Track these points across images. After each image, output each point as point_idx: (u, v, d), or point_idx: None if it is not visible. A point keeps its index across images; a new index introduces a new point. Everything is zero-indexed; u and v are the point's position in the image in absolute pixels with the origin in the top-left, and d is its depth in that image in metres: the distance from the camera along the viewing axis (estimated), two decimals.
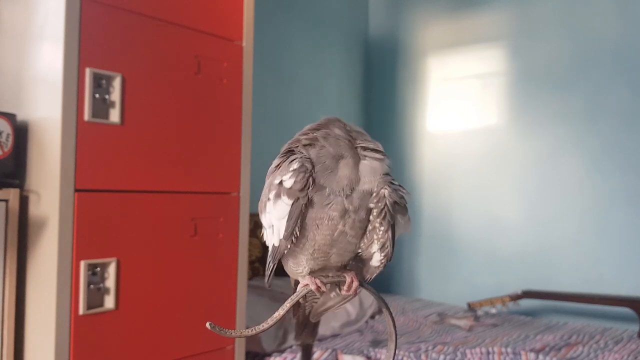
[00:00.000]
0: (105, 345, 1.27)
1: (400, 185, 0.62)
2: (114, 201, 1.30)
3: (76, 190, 1.23)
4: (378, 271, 0.65)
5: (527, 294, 2.40)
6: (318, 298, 0.71)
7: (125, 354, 1.31)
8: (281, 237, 0.62)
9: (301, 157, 0.60)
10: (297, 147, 0.63)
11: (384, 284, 3.05)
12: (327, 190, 0.60)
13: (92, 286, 1.25)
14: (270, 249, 0.66)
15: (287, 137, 0.67)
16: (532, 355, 1.69)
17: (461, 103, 2.88)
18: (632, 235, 2.36)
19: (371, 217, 0.62)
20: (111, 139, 1.29)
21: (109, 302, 1.28)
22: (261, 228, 0.70)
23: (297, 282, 0.73)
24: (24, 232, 1.28)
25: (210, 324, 0.58)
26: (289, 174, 0.60)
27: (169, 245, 1.40)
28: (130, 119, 1.32)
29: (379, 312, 2.26)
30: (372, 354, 1.71)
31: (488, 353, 1.73)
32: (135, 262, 1.33)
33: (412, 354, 1.71)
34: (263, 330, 0.61)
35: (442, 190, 2.91)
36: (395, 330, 0.66)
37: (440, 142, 2.95)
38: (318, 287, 0.63)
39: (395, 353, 0.65)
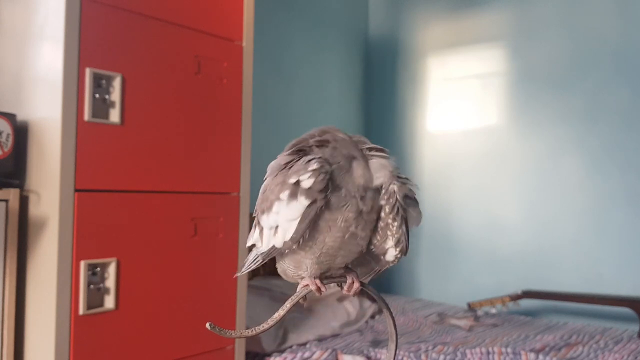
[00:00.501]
0: (105, 345, 1.27)
1: (407, 179, 0.61)
2: (114, 201, 1.30)
3: (76, 190, 1.23)
4: (390, 265, 0.64)
5: (527, 294, 2.40)
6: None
7: (125, 354, 1.31)
8: (287, 239, 0.59)
9: (319, 157, 0.59)
10: (309, 146, 0.61)
11: (384, 284, 3.05)
12: (343, 191, 0.58)
13: (92, 286, 1.25)
14: (263, 249, 0.64)
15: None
16: (532, 355, 1.69)
17: (461, 103, 2.88)
18: (632, 235, 2.36)
19: (382, 215, 0.61)
20: (111, 139, 1.29)
21: (109, 302, 1.28)
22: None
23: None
24: (24, 232, 1.28)
25: (210, 324, 0.58)
26: (308, 174, 0.57)
27: (169, 245, 1.40)
28: (130, 119, 1.32)
29: (379, 312, 2.26)
30: (372, 354, 1.71)
31: (488, 353, 1.73)
32: (135, 262, 1.33)
33: (412, 354, 1.71)
34: (263, 331, 0.60)
35: (442, 190, 2.91)
36: (396, 331, 0.66)
37: (440, 142, 2.95)
38: (318, 288, 0.62)
39: (395, 353, 0.65)
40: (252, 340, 1.71)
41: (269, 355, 1.70)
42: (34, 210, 1.27)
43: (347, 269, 0.65)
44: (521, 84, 2.70)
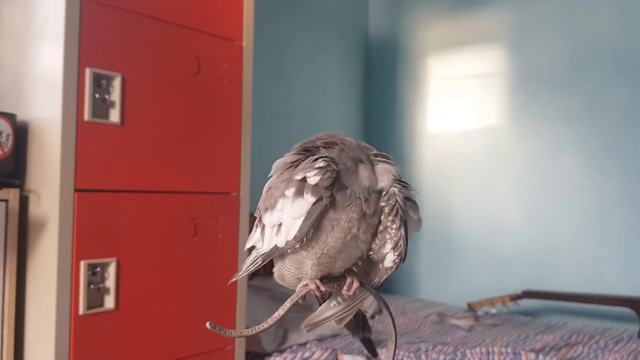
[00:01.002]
0: (105, 345, 1.27)
1: (408, 184, 0.62)
2: (114, 201, 1.30)
3: (76, 190, 1.23)
4: (390, 273, 0.63)
5: (527, 294, 2.40)
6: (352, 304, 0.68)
7: (125, 354, 1.31)
8: (290, 238, 0.59)
9: (326, 157, 0.59)
10: (316, 147, 0.61)
11: (384, 284, 3.04)
12: (349, 191, 0.58)
13: (92, 286, 1.25)
14: (264, 249, 0.63)
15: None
16: (532, 355, 1.69)
17: (461, 103, 2.88)
18: (632, 235, 2.36)
19: (382, 217, 0.61)
20: (111, 139, 1.29)
21: (109, 302, 1.28)
22: None
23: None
24: (24, 232, 1.28)
25: (210, 324, 0.58)
26: (315, 171, 0.57)
27: (169, 245, 1.40)
28: (130, 119, 1.32)
29: (379, 312, 2.26)
30: None
31: (488, 353, 1.73)
32: (135, 262, 1.33)
33: (412, 354, 1.71)
34: (263, 330, 0.60)
35: (442, 190, 2.91)
36: (395, 330, 0.66)
37: (440, 142, 2.95)
38: (317, 287, 0.62)
39: (395, 353, 0.65)
40: (252, 340, 1.71)
41: (269, 355, 1.70)
42: (34, 210, 1.27)
43: (347, 269, 0.65)
44: (521, 84, 2.70)
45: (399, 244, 0.61)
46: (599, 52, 2.48)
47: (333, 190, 0.58)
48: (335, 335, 1.97)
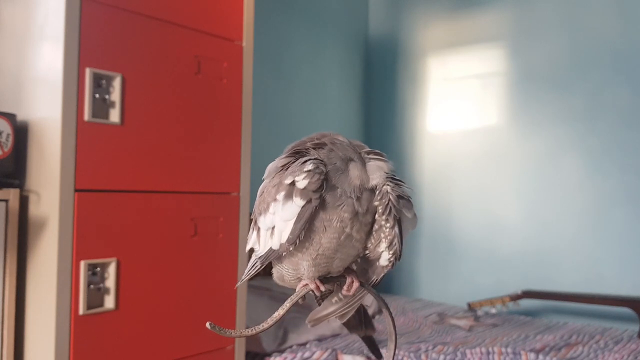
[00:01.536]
0: (105, 345, 1.27)
1: (402, 181, 0.61)
2: (114, 201, 1.30)
3: (76, 190, 1.23)
4: (386, 271, 0.64)
5: (527, 294, 2.40)
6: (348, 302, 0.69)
7: (125, 354, 1.31)
8: (283, 240, 0.60)
9: (314, 159, 0.59)
10: (306, 149, 0.62)
11: (384, 284, 3.05)
12: (339, 191, 0.59)
13: (92, 286, 1.25)
14: (261, 252, 0.64)
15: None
16: (532, 355, 1.69)
17: (461, 103, 2.88)
18: (632, 235, 2.36)
19: (376, 216, 0.61)
20: (111, 139, 1.29)
21: (109, 302, 1.28)
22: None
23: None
24: (24, 232, 1.28)
25: (210, 324, 0.58)
26: (303, 175, 0.58)
27: (169, 245, 1.40)
28: (130, 119, 1.32)
29: (379, 312, 2.26)
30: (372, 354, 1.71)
31: (488, 353, 1.73)
32: (135, 262, 1.33)
33: (412, 354, 1.71)
34: (263, 330, 0.60)
35: (442, 190, 2.91)
36: (395, 331, 0.66)
37: (440, 142, 2.95)
38: (317, 286, 0.63)
39: (395, 353, 0.65)
40: (252, 340, 1.71)
41: (269, 355, 1.70)
42: (34, 210, 1.27)
43: (347, 268, 0.65)
44: (521, 84, 2.70)
45: (394, 243, 0.61)
46: (599, 52, 2.48)
47: (322, 191, 0.58)
48: (335, 335, 1.97)
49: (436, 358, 1.69)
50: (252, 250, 0.69)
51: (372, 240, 0.62)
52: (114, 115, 1.29)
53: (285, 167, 0.61)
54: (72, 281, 1.22)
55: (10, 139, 1.26)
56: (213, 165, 1.52)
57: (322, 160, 0.59)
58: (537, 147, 2.63)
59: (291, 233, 0.59)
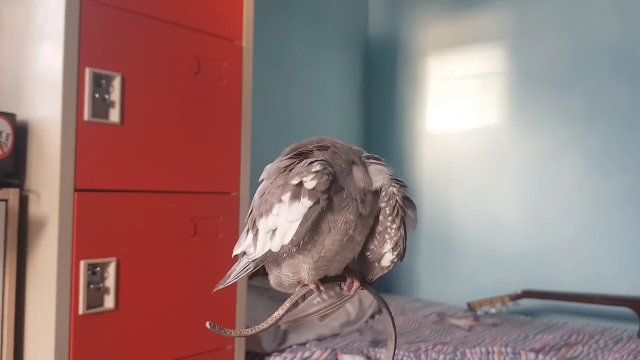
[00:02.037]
0: (105, 345, 1.27)
1: (404, 184, 0.62)
2: (114, 201, 1.30)
3: (76, 190, 1.23)
4: (385, 272, 0.64)
5: (527, 294, 2.40)
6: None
7: (125, 354, 1.31)
8: (286, 242, 0.59)
9: (322, 160, 0.59)
10: (310, 150, 0.61)
11: (384, 284, 3.05)
12: (345, 193, 0.58)
13: (92, 286, 1.25)
14: (257, 255, 0.63)
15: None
16: (532, 355, 1.69)
17: (461, 103, 2.88)
18: (632, 235, 2.36)
19: (382, 218, 0.61)
20: (111, 139, 1.29)
21: (109, 302, 1.28)
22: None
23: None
24: (24, 232, 1.28)
25: (210, 324, 0.58)
26: (312, 176, 0.57)
27: (169, 245, 1.40)
28: (130, 119, 1.32)
29: (379, 312, 2.26)
30: (372, 354, 1.71)
31: (488, 353, 1.73)
32: (135, 262, 1.33)
33: (412, 354, 1.71)
34: (263, 330, 0.60)
35: (442, 190, 2.91)
36: (395, 331, 0.66)
37: (440, 142, 2.95)
38: (317, 287, 0.62)
39: (395, 353, 0.65)
40: (252, 340, 1.71)
41: (269, 355, 1.70)
42: (34, 210, 1.27)
43: (347, 268, 0.65)
44: (521, 84, 2.70)
45: (399, 244, 0.61)
46: (599, 52, 2.48)
47: (330, 193, 0.57)
48: (335, 335, 1.97)
49: (436, 358, 1.69)
50: (241, 255, 0.67)
51: (376, 242, 0.62)
52: (114, 115, 1.29)
53: (289, 169, 0.60)
54: (72, 281, 1.22)
55: (10, 139, 1.26)
56: (213, 165, 1.52)
57: (329, 162, 0.59)
58: (537, 147, 2.63)
59: (296, 235, 0.58)
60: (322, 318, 0.70)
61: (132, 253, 1.33)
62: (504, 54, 2.77)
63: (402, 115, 3.09)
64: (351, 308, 2.14)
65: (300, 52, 2.81)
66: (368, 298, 2.20)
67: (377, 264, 0.64)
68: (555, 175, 2.57)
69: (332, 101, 3.03)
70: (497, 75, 2.78)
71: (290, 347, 1.78)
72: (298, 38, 2.80)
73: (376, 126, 3.20)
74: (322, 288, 0.62)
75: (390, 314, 0.66)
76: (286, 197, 0.59)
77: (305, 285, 0.63)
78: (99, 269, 1.26)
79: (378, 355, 1.70)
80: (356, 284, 0.64)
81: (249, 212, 0.65)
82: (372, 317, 2.24)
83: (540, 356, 1.68)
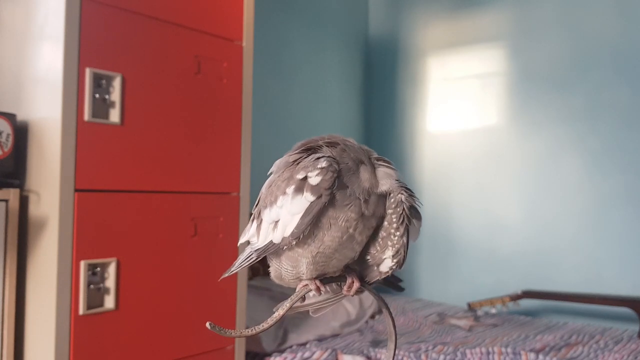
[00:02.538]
0: (105, 345, 1.27)
1: (413, 192, 0.62)
2: (114, 201, 1.30)
3: (76, 190, 1.23)
4: (382, 277, 0.64)
5: (527, 294, 2.40)
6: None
7: (125, 354, 1.31)
8: (286, 234, 0.60)
9: (328, 156, 0.59)
10: (319, 146, 0.62)
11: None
12: (348, 190, 0.59)
13: (92, 286, 1.25)
14: (259, 244, 0.64)
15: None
16: (532, 355, 1.69)
17: (461, 103, 2.88)
18: (632, 235, 2.36)
19: (386, 223, 0.61)
20: (111, 139, 1.29)
21: (109, 302, 1.28)
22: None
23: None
24: (24, 232, 1.28)
25: (210, 324, 0.58)
26: (317, 171, 0.58)
27: (169, 245, 1.40)
28: (130, 119, 1.32)
29: (379, 312, 2.26)
30: (372, 354, 1.71)
31: (488, 353, 1.73)
32: (135, 262, 1.33)
33: (412, 354, 1.71)
34: (263, 330, 0.60)
35: (442, 190, 2.91)
36: (395, 330, 0.66)
37: (440, 142, 2.95)
38: (318, 287, 0.62)
39: (395, 353, 0.65)
40: (252, 340, 1.71)
41: (269, 355, 1.70)
42: (34, 210, 1.27)
43: (347, 268, 0.65)
44: (521, 84, 2.70)
45: (400, 252, 0.61)
46: (599, 52, 2.48)
47: (333, 189, 0.58)
48: (335, 335, 1.97)
49: (436, 358, 1.69)
50: (245, 243, 0.68)
51: (378, 247, 0.63)
52: (114, 115, 1.29)
53: (296, 162, 0.61)
54: (72, 281, 1.22)
55: (10, 139, 1.26)
56: (213, 165, 1.51)
57: (335, 158, 0.60)
58: (537, 147, 2.63)
59: (297, 227, 0.59)
60: (316, 311, 0.71)
61: (132, 253, 1.33)
62: (504, 54, 2.77)
63: (402, 115, 3.09)
64: (351, 308, 2.14)
65: (300, 52, 2.81)
66: (368, 298, 2.20)
67: (375, 268, 0.64)
68: (555, 175, 2.57)
69: (332, 101, 3.03)
70: (497, 75, 2.78)
71: (290, 347, 1.78)
72: (298, 38, 2.80)
73: (376, 126, 3.20)
74: (322, 289, 0.63)
75: (390, 314, 0.66)
76: (290, 189, 0.60)
77: (306, 285, 0.63)
78: (99, 269, 1.26)
79: (378, 355, 1.70)
80: (356, 284, 0.64)
81: (256, 202, 0.66)
82: (372, 317, 2.24)
83: (540, 356, 1.68)
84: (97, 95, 1.26)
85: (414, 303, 2.62)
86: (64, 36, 1.20)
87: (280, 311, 0.61)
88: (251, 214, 0.68)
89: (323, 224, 0.59)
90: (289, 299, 0.62)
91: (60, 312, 1.20)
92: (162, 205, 1.39)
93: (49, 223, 1.22)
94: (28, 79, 1.33)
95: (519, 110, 2.71)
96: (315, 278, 0.63)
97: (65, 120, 1.20)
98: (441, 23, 2.99)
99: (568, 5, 2.58)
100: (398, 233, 0.61)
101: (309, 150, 0.62)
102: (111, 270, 1.28)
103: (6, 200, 1.23)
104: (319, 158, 0.59)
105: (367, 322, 2.19)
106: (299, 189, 0.59)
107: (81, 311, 1.23)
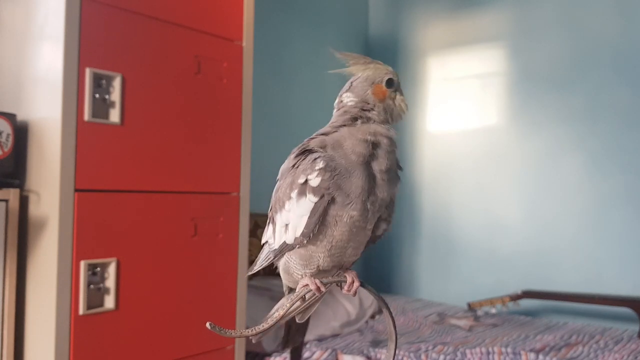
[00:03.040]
0: (105, 345, 1.27)
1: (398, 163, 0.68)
2: (114, 201, 1.30)
3: (76, 190, 1.23)
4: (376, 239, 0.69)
5: (527, 294, 2.40)
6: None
7: (125, 354, 1.31)
8: (297, 234, 0.62)
9: (324, 156, 0.62)
10: (314, 147, 0.64)
11: (384, 284, 3.05)
12: (346, 191, 0.61)
13: (92, 286, 1.25)
14: (275, 246, 0.67)
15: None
16: (532, 355, 1.69)
17: (461, 103, 2.88)
18: (632, 235, 2.36)
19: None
20: (111, 139, 1.29)
21: (109, 302, 1.28)
22: (262, 228, 0.70)
23: (290, 289, 0.73)
24: (24, 232, 1.28)
25: (210, 324, 0.58)
26: (315, 173, 0.61)
27: (169, 245, 1.40)
28: (130, 119, 1.32)
29: (379, 312, 2.26)
30: (372, 354, 1.71)
31: (488, 353, 1.73)
32: (135, 262, 1.33)
33: (412, 354, 1.71)
34: (263, 330, 0.61)
35: (442, 190, 2.91)
36: (395, 330, 0.66)
37: (440, 142, 2.95)
38: (318, 288, 0.63)
39: (395, 353, 0.65)
40: (252, 340, 1.71)
41: (269, 355, 1.70)
42: (34, 210, 1.27)
43: (347, 268, 0.66)
44: (521, 84, 2.70)
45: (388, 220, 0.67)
46: (599, 52, 2.48)
47: (333, 188, 0.60)
48: (335, 335, 1.97)
49: (436, 358, 1.69)
50: (265, 243, 0.72)
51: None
52: (114, 115, 1.29)
53: (296, 166, 0.64)
54: (72, 281, 1.22)
55: (10, 139, 1.26)
56: (213, 165, 1.51)
57: (331, 157, 0.62)
58: (537, 147, 2.63)
59: (306, 227, 0.61)
60: (302, 316, 0.71)
61: (132, 253, 1.33)
62: (504, 54, 2.77)
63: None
64: (351, 308, 2.14)
65: (300, 52, 2.81)
66: (368, 298, 2.20)
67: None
68: (555, 175, 2.57)
69: (332, 101, 3.01)
70: (497, 75, 2.78)
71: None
72: (298, 38, 2.80)
73: None
74: (322, 289, 0.63)
75: (390, 313, 0.66)
76: (294, 193, 0.63)
77: (306, 285, 0.63)
78: (99, 269, 1.26)
79: (378, 355, 1.70)
80: (356, 284, 0.64)
81: (270, 206, 0.70)
82: (372, 317, 2.24)
83: (540, 356, 1.68)
84: (97, 95, 1.26)
85: (414, 303, 2.62)
86: (64, 36, 1.20)
87: (280, 311, 0.62)
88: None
89: (329, 222, 0.62)
90: (289, 299, 0.62)
91: (60, 312, 1.20)
92: (162, 205, 1.39)
93: (49, 223, 1.22)
94: (28, 79, 1.33)
95: (519, 110, 2.70)
96: (315, 278, 0.63)
97: (65, 120, 1.20)
98: (441, 23, 2.99)
99: (568, 5, 2.58)
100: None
101: (306, 151, 0.64)
102: (111, 270, 1.28)
103: (6, 200, 1.23)
104: (315, 159, 0.61)
105: (367, 322, 2.19)
106: (302, 192, 0.62)
107: (81, 311, 1.23)
